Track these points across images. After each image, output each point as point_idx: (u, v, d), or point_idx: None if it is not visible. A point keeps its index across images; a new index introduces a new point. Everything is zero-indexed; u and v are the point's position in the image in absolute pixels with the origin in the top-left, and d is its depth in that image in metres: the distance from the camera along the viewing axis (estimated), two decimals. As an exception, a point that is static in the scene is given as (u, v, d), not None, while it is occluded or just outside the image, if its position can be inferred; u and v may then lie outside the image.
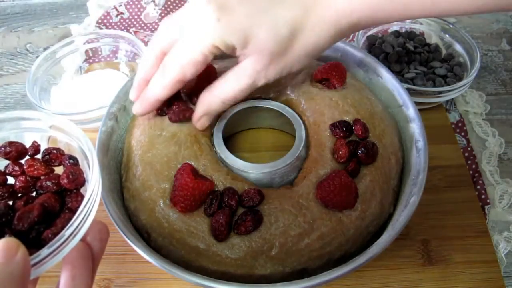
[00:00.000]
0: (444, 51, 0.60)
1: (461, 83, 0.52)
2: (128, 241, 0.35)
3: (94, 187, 0.29)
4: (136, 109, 0.41)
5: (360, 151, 0.40)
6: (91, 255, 0.28)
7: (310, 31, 0.35)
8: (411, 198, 0.37)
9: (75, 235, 0.27)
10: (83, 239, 0.28)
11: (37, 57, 0.58)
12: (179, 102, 0.43)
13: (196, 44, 0.35)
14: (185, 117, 0.42)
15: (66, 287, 0.26)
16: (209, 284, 0.33)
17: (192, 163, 0.40)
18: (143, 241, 0.38)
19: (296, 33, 0.35)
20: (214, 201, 0.37)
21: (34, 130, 0.34)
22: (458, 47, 0.59)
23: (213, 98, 0.39)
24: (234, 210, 0.37)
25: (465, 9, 0.32)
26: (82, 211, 0.27)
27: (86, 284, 0.27)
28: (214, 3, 0.35)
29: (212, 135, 0.44)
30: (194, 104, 0.44)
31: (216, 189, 0.38)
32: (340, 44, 0.50)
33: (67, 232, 0.26)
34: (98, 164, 0.30)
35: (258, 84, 0.38)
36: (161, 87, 0.38)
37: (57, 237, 0.26)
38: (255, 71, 0.37)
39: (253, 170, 0.41)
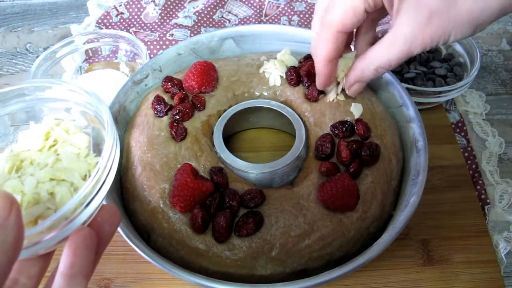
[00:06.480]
0: (444, 51, 0.60)
1: (461, 83, 0.52)
2: (128, 241, 0.35)
3: (111, 151, 0.25)
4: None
5: (364, 153, 0.39)
6: (95, 246, 0.25)
7: None
8: (411, 198, 0.37)
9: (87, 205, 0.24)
10: (92, 223, 0.25)
11: (37, 57, 0.58)
12: (184, 104, 0.44)
13: None
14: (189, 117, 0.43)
15: (62, 276, 0.23)
16: (209, 284, 0.33)
17: (192, 163, 0.40)
18: (143, 241, 0.37)
19: None
20: (214, 202, 0.37)
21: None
22: (458, 47, 0.59)
23: (367, 65, 0.38)
24: (235, 211, 0.37)
25: None
26: (94, 178, 0.24)
27: (86, 274, 0.24)
28: None
29: (212, 135, 0.44)
30: (199, 108, 0.44)
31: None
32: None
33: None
34: (115, 127, 0.27)
35: (413, 51, 0.34)
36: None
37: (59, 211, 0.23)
38: (411, 34, 0.33)
39: (253, 170, 0.41)
